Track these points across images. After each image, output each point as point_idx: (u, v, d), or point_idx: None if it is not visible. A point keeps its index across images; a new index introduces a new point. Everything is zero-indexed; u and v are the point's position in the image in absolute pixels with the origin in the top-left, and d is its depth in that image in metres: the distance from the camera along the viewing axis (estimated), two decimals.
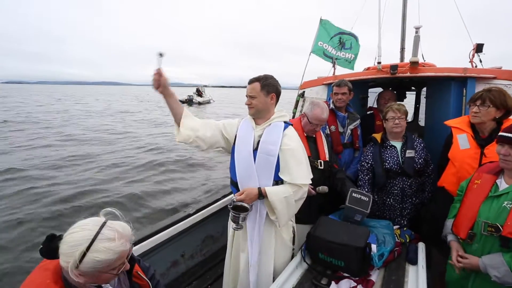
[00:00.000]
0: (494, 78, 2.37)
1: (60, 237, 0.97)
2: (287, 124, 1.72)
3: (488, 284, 1.43)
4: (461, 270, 1.53)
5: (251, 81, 1.67)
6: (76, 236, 0.93)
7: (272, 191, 1.59)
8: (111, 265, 0.97)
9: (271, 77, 1.68)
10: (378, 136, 2.35)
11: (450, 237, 1.64)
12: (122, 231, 1.01)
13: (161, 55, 1.42)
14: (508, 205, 1.34)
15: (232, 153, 1.75)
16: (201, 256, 2.58)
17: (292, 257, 1.82)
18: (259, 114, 1.71)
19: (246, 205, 1.57)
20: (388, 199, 2.30)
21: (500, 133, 1.40)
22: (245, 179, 1.67)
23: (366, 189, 2.30)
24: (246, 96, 1.69)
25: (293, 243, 1.85)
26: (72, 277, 0.92)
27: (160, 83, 1.47)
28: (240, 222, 1.59)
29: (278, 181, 1.65)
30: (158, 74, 1.45)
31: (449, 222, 1.69)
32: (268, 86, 1.64)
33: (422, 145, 2.28)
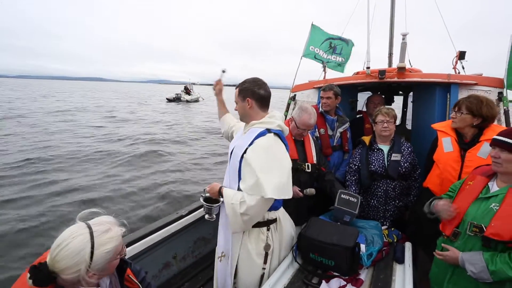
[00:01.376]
0: (476, 84, 2.49)
1: (43, 264, 0.94)
2: (265, 131, 1.56)
3: (464, 281, 1.49)
4: (439, 263, 1.60)
5: (235, 89, 1.69)
6: (72, 246, 0.94)
7: (226, 193, 1.56)
8: (117, 250, 1.05)
9: (249, 81, 1.64)
10: (367, 139, 2.42)
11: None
12: (109, 220, 1.07)
13: (223, 71, 2.08)
14: (495, 207, 1.37)
15: None
16: (193, 258, 2.58)
17: (262, 278, 1.67)
18: (243, 119, 1.72)
19: (215, 197, 1.67)
20: (372, 201, 2.38)
21: (494, 136, 1.42)
22: (224, 177, 1.74)
23: (354, 189, 2.37)
24: None
25: (265, 262, 1.66)
26: (87, 281, 0.94)
27: (218, 89, 2.13)
28: (212, 214, 1.69)
29: None
30: (218, 83, 2.10)
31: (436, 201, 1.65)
32: (243, 91, 1.62)
33: (409, 149, 2.33)
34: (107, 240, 0.99)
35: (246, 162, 1.50)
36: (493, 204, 1.39)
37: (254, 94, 1.60)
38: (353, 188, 2.38)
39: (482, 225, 1.38)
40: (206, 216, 1.72)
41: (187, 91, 42.67)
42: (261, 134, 1.54)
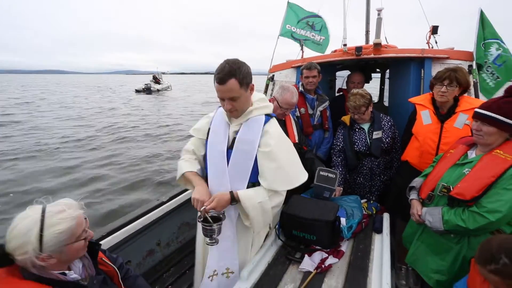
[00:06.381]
0: (447, 58, 2.55)
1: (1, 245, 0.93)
2: (268, 117, 1.46)
3: (430, 238, 1.62)
4: (413, 225, 1.73)
5: (224, 79, 1.26)
6: (22, 226, 0.91)
7: (245, 196, 1.39)
8: (75, 233, 0.99)
9: (242, 64, 1.31)
10: (346, 119, 2.42)
11: (412, 196, 1.76)
12: (67, 202, 1.03)
13: None
14: (467, 172, 1.45)
15: (205, 147, 1.55)
16: (178, 244, 2.57)
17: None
18: (239, 114, 1.43)
19: (218, 214, 1.37)
20: (358, 178, 2.43)
21: (476, 109, 1.44)
22: (216, 181, 1.48)
23: (341, 169, 2.39)
24: (221, 98, 1.34)
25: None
26: (39, 264, 0.91)
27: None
28: (214, 236, 1.34)
29: (255, 182, 1.45)
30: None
31: (416, 180, 1.81)
32: (245, 78, 1.31)
33: (389, 123, 2.35)
34: (59, 220, 0.95)
35: (267, 155, 1.38)
36: (466, 169, 1.47)
37: (251, 77, 1.35)
38: (340, 169, 2.39)
39: (450, 186, 1.47)
40: (207, 241, 1.37)
41: (156, 80, 41.63)
42: (267, 121, 1.45)
